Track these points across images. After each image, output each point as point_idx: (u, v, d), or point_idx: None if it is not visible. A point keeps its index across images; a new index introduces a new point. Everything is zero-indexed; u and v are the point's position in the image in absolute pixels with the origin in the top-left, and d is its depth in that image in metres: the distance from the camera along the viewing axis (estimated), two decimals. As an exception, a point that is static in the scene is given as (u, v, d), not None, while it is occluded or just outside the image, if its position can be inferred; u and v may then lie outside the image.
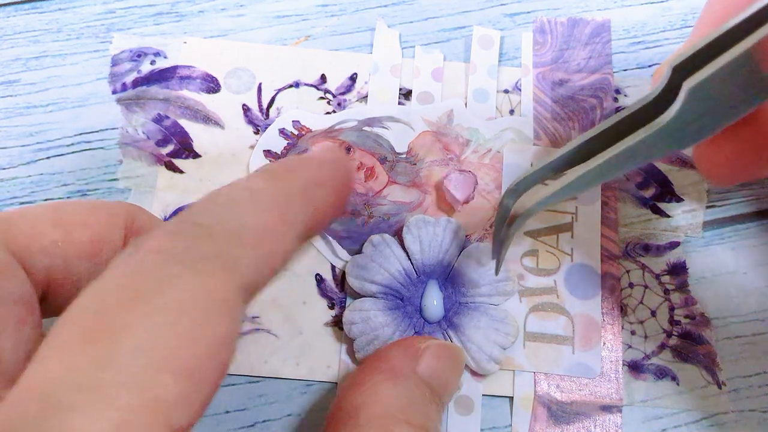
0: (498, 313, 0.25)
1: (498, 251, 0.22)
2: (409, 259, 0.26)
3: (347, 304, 0.25)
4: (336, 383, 0.25)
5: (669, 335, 0.26)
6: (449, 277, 0.26)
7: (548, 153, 0.20)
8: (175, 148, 0.28)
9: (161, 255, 0.15)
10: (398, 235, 0.26)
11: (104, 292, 0.14)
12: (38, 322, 0.17)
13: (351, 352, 0.25)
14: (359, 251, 0.26)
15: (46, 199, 0.27)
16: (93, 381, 0.12)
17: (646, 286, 0.27)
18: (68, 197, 0.27)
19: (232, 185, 0.18)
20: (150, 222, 0.21)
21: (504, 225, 0.21)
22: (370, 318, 0.24)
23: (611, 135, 0.19)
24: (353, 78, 0.29)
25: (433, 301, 0.25)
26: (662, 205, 0.28)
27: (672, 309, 0.26)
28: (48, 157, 0.28)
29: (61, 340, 0.13)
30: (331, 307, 0.26)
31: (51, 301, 0.19)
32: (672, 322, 0.26)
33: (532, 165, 0.20)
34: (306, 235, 0.19)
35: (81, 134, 0.28)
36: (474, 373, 0.25)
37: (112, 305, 0.13)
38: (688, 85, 0.16)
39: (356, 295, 0.25)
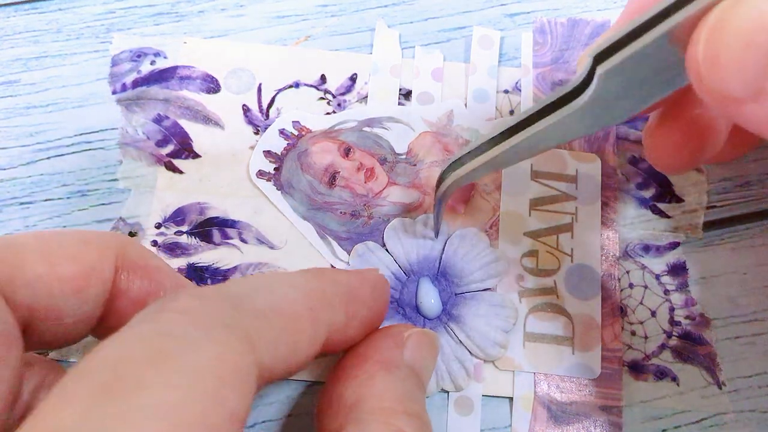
0: (495, 298, 0.25)
1: (436, 216, 0.25)
2: (396, 262, 0.26)
3: None
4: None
5: (669, 335, 0.26)
6: (440, 270, 0.26)
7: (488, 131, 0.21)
8: (175, 148, 0.28)
9: (185, 317, 0.15)
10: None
11: (124, 348, 0.14)
12: (20, 357, 0.17)
13: None
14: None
15: (46, 200, 0.27)
16: None
17: (646, 287, 0.27)
18: (68, 197, 0.27)
19: (272, 273, 0.19)
20: (142, 255, 0.20)
21: (437, 193, 0.23)
22: None
23: (537, 118, 0.20)
24: (353, 78, 0.29)
25: (430, 298, 0.25)
26: (662, 206, 0.28)
27: (672, 309, 0.26)
28: (48, 157, 0.28)
29: (76, 390, 0.13)
30: (331, 308, 0.26)
31: (32, 334, 0.18)
32: (672, 322, 0.26)
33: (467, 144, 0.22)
34: (329, 345, 0.19)
35: (81, 134, 0.28)
36: (476, 372, 0.25)
37: (131, 362, 0.13)
38: (601, 69, 0.17)
39: None
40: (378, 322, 0.21)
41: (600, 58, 0.17)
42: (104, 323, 0.19)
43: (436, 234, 0.26)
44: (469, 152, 0.21)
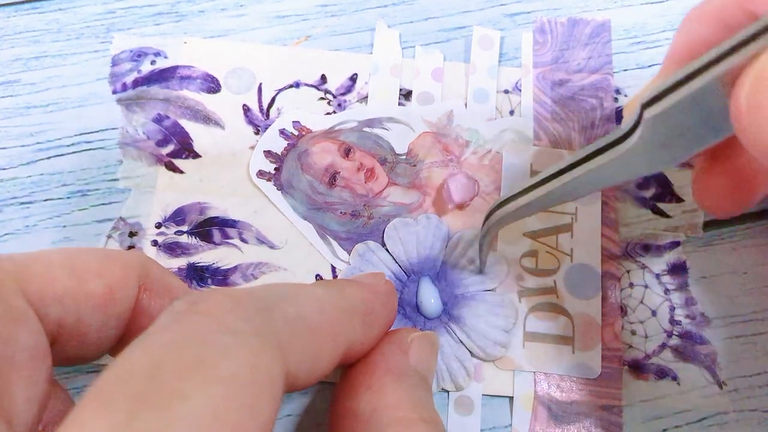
0: (495, 298, 0.25)
1: (480, 252, 0.25)
2: (396, 262, 0.26)
3: None
4: (335, 383, 0.25)
5: (669, 335, 0.26)
6: (441, 271, 0.26)
7: (539, 171, 0.21)
8: (175, 148, 0.28)
9: (218, 321, 0.15)
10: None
11: (157, 353, 0.14)
12: (50, 371, 0.17)
13: None
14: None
15: (46, 200, 0.27)
16: None
17: (646, 286, 0.27)
18: (68, 197, 0.27)
19: (293, 284, 0.19)
20: (163, 275, 0.20)
21: (482, 231, 0.23)
22: None
23: (585, 161, 0.20)
24: (353, 78, 0.30)
25: (430, 298, 0.25)
26: (662, 205, 0.28)
27: (672, 309, 0.26)
28: (48, 157, 0.28)
29: (112, 398, 0.13)
30: (332, 308, 0.26)
31: (57, 350, 0.18)
32: (672, 321, 0.26)
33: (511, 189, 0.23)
34: (344, 359, 0.19)
35: (81, 134, 0.28)
36: (476, 372, 0.25)
37: (167, 369, 0.13)
38: (648, 113, 0.17)
39: None
40: (387, 330, 0.22)
41: (648, 105, 0.17)
42: (124, 343, 0.19)
43: (482, 269, 0.25)
44: (518, 192, 0.22)
